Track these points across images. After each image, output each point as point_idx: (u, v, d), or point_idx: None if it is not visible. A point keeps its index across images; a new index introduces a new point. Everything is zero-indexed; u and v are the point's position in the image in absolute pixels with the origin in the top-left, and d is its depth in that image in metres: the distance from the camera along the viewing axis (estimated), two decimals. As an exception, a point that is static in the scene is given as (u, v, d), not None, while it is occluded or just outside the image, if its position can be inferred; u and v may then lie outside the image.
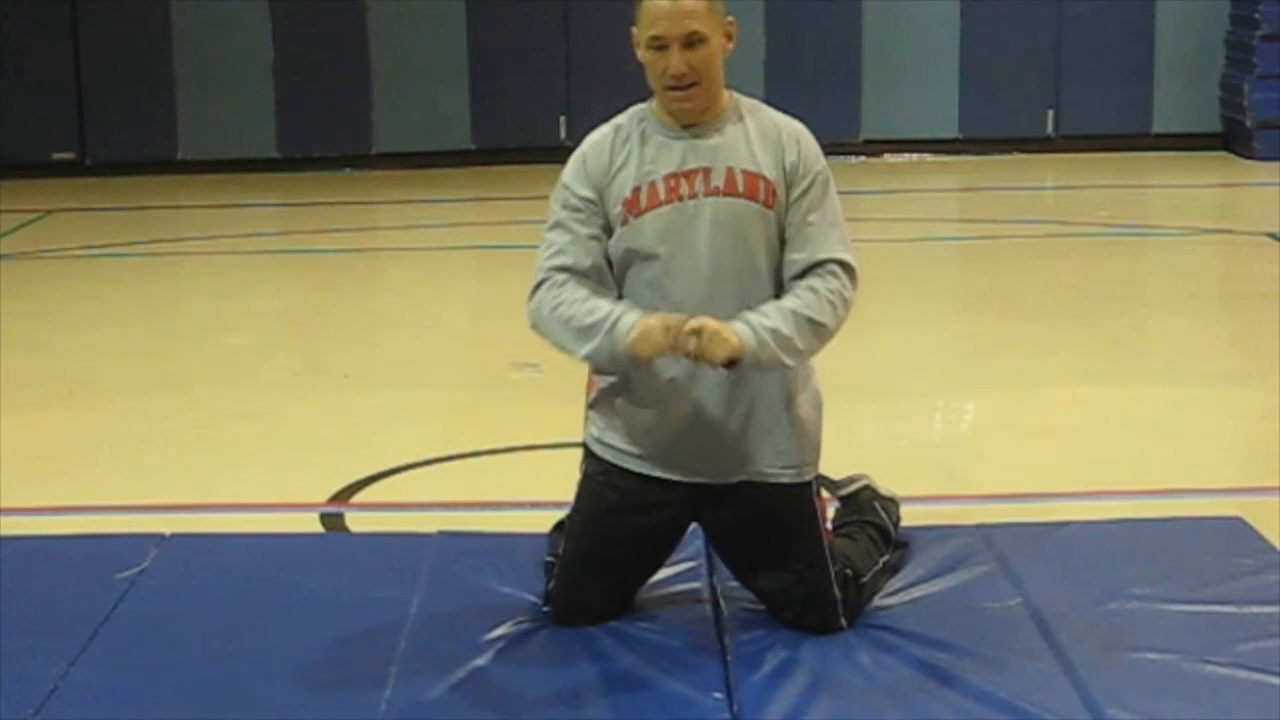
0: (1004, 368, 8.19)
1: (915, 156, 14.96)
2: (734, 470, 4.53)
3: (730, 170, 4.45)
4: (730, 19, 4.47)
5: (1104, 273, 10.40)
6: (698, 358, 4.27)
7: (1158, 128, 14.99)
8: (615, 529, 4.59)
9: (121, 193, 14.04)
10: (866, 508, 4.94)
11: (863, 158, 14.84)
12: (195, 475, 6.69)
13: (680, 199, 4.45)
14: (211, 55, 14.75)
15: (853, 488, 5.03)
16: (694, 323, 4.24)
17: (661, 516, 4.59)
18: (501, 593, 4.84)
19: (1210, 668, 4.30)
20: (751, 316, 4.33)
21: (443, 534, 5.37)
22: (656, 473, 4.54)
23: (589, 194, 4.54)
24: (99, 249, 11.77)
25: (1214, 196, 13.70)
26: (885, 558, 4.81)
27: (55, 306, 9.91)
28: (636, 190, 4.48)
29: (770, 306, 4.37)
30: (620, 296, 4.49)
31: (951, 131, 15.01)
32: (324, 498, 6.32)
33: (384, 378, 8.24)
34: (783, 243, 4.46)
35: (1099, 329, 8.89)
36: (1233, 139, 14.72)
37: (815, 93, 14.38)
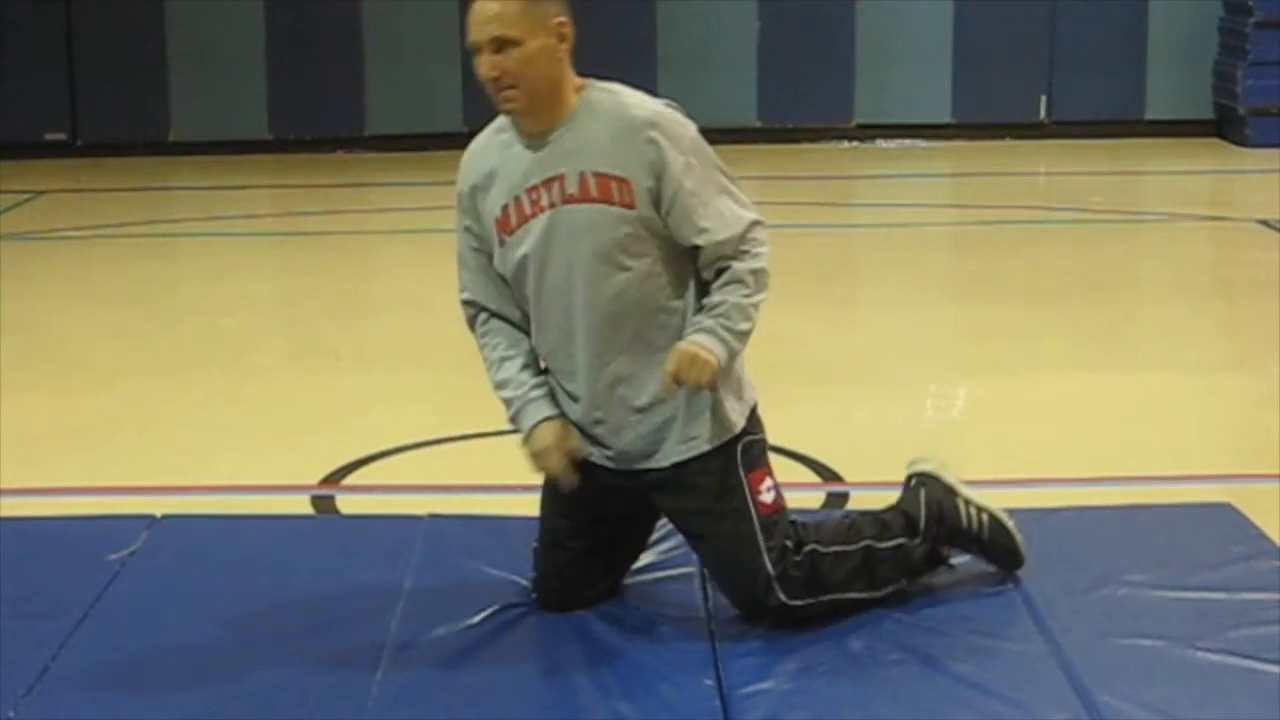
0: (995, 354, 8.19)
1: (908, 142, 14.95)
2: (644, 461, 4.48)
3: (583, 175, 4.33)
4: (561, 19, 4.32)
5: (1096, 259, 10.40)
6: (681, 384, 4.30)
7: (1150, 114, 14.99)
8: (573, 513, 4.61)
9: (113, 174, 14.03)
10: (908, 493, 4.73)
11: (855, 142, 14.84)
12: (187, 457, 6.69)
13: (541, 210, 4.38)
14: (204, 36, 14.73)
15: (913, 469, 4.81)
16: (672, 360, 4.28)
17: (613, 502, 4.56)
18: (492, 576, 4.85)
19: (1201, 654, 4.31)
20: (706, 321, 4.33)
21: (434, 517, 5.37)
22: (591, 459, 4.53)
23: (469, 222, 4.52)
24: (91, 230, 11.76)
25: (1206, 183, 13.70)
26: (870, 540, 4.54)
27: (47, 288, 9.89)
28: (505, 209, 4.42)
29: (719, 304, 4.36)
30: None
31: (944, 117, 15.00)
32: (315, 480, 6.32)
33: (376, 360, 8.24)
34: (649, 238, 4.34)
35: (1090, 315, 8.90)
36: (1225, 126, 14.73)
37: (808, 77, 14.38)
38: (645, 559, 4.87)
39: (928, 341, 8.60)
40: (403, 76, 14.75)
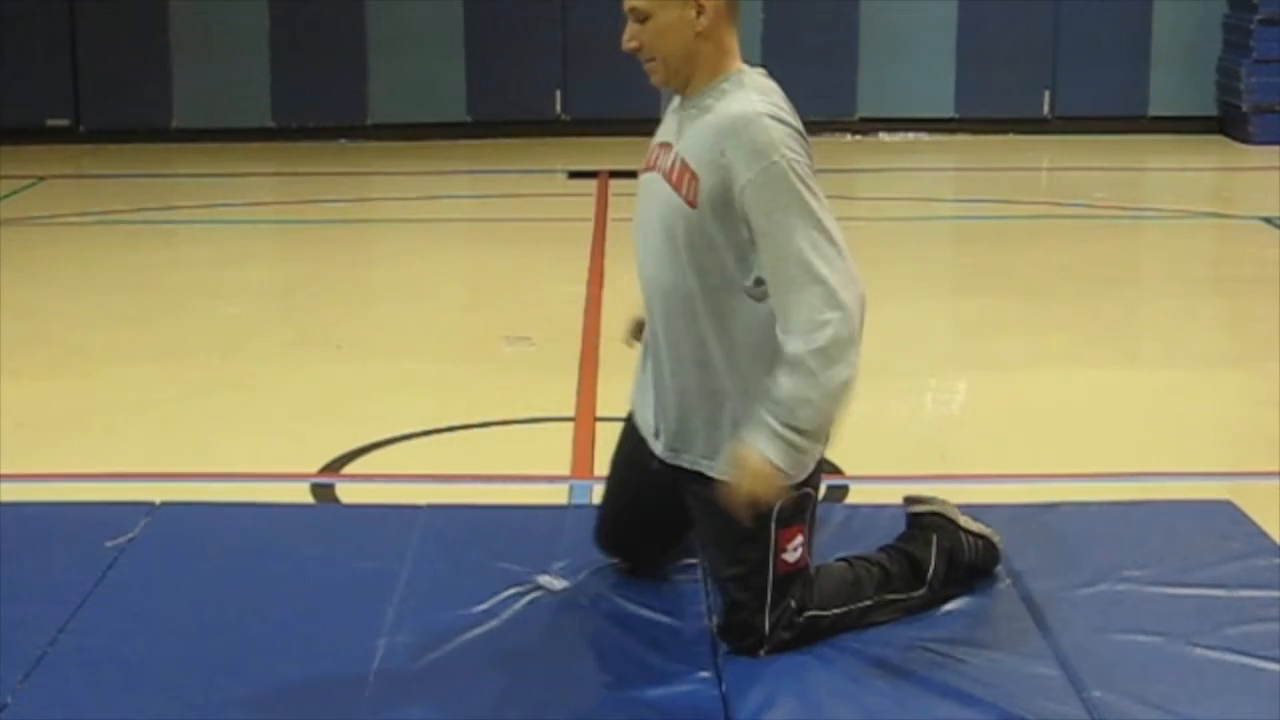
0: (997, 348, 8.18)
1: (911, 135, 14.95)
2: (672, 451, 4.44)
3: (679, 155, 4.29)
4: None
5: (1098, 255, 10.39)
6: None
7: (1154, 110, 14.99)
8: (627, 474, 4.66)
9: (115, 160, 14.03)
10: (918, 535, 4.61)
11: (858, 136, 14.84)
12: (186, 444, 6.69)
13: (649, 169, 4.42)
14: (207, 23, 14.72)
15: (920, 508, 4.68)
16: (734, 471, 4.17)
17: (658, 479, 4.51)
18: (490, 566, 4.84)
19: (1199, 651, 4.31)
20: (767, 419, 4.14)
21: (433, 506, 5.37)
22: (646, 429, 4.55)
23: None
24: (93, 216, 11.76)
25: (1209, 180, 13.70)
26: (872, 600, 4.44)
27: (48, 273, 9.89)
28: (648, 152, 4.48)
29: (780, 393, 4.13)
30: None
31: (948, 111, 15.00)
32: (315, 468, 6.32)
33: (376, 349, 8.24)
34: (713, 247, 4.21)
35: (1092, 311, 8.89)
36: (1228, 123, 14.72)
37: (811, 70, 14.36)
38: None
39: (928, 335, 8.60)
40: (406, 65, 14.74)
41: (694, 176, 4.23)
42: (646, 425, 4.54)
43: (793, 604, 4.33)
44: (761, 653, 4.30)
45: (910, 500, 4.72)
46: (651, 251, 4.36)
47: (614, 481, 4.77)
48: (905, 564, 4.54)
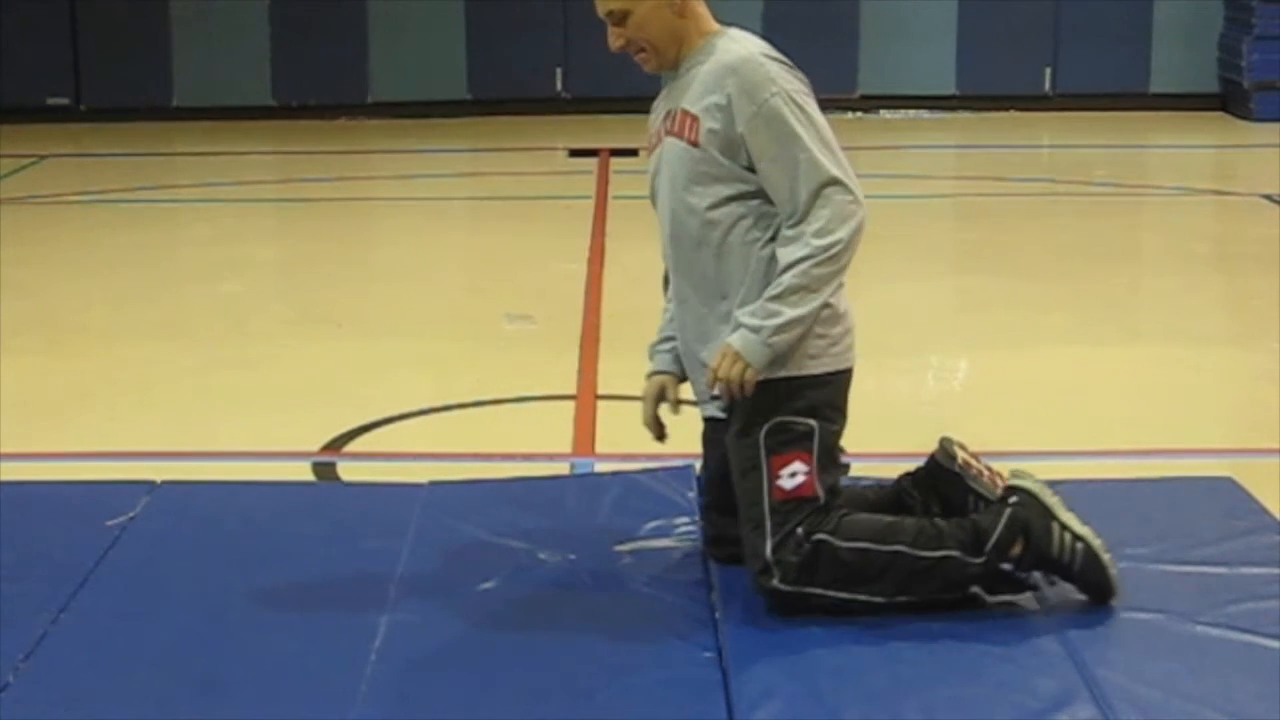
0: (998, 326, 8.18)
1: (912, 113, 14.94)
2: (702, 406, 4.60)
3: (679, 110, 4.48)
4: None
5: (1099, 232, 10.39)
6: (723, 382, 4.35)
7: (1155, 87, 14.98)
8: (711, 441, 4.70)
9: (116, 139, 14.02)
10: (995, 506, 4.47)
11: (859, 113, 14.83)
12: (187, 423, 6.69)
13: (659, 141, 4.57)
14: (207, 2, 14.71)
15: (1014, 482, 4.55)
16: (715, 356, 4.36)
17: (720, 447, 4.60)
18: (492, 543, 4.84)
19: (1200, 628, 4.31)
20: (747, 319, 4.34)
21: (434, 484, 5.37)
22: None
23: None
24: (93, 195, 11.75)
25: (1210, 157, 13.69)
26: (906, 548, 4.35)
27: (49, 252, 9.89)
28: (648, 139, 4.66)
29: (775, 286, 4.33)
30: None
31: (949, 88, 14.99)
32: (316, 446, 6.32)
33: (377, 327, 8.24)
34: (719, 180, 4.40)
35: (1093, 288, 8.89)
36: (1230, 100, 14.70)
37: (812, 47, 14.24)
38: (649, 525, 4.89)
39: (930, 313, 8.60)
40: (406, 44, 14.73)
41: (694, 119, 4.43)
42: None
43: (799, 530, 4.34)
44: (775, 581, 4.33)
45: (1012, 473, 4.61)
46: (668, 214, 4.52)
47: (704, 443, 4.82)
48: (968, 529, 4.41)
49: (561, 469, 6.01)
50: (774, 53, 4.47)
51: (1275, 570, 4.62)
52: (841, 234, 4.34)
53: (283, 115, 14.75)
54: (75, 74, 14.70)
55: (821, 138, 4.38)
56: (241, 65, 14.72)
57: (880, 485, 4.83)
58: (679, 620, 4.38)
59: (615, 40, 4.48)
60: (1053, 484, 5.27)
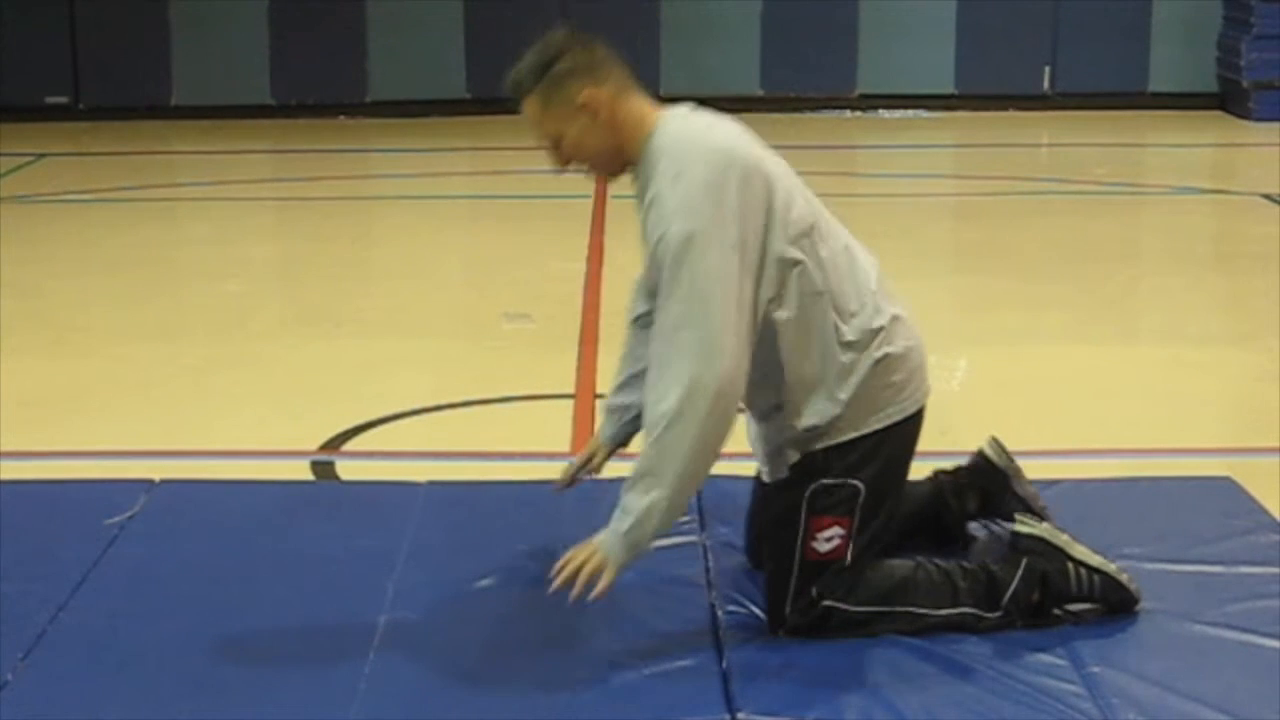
0: (997, 325, 8.18)
1: (910, 112, 14.93)
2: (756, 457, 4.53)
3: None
4: (585, 93, 4.23)
5: (1098, 231, 10.39)
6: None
7: (1154, 86, 14.98)
8: (759, 497, 4.66)
9: (115, 137, 14.02)
10: (1011, 557, 4.41)
11: (858, 112, 14.82)
12: (186, 421, 6.69)
13: None
14: (207, 1, 14.70)
15: (1022, 529, 4.47)
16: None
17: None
18: (490, 543, 4.85)
19: (1198, 627, 4.31)
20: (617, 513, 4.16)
21: (433, 484, 5.37)
22: None
23: None
24: (92, 194, 11.75)
25: (1209, 157, 13.69)
26: (920, 609, 4.30)
27: (48, 251, 9.89)
28: None
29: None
30: None
31: (947, 87, 14.99)
32: (315, 445, 6.32)
33: (376, 326, 8.24)
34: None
35: (1092, 287, 8.89)
36: (1229, 99, 14.70)
37: (811, 47, 14.35)
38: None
39: (928, 312, 8.52)
40: (406, 42, 14.73)
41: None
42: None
43: (814, 592, 4.28)
44: (780, 633, 4.30)
45: (1018, 520, 4.53)
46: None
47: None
48: (983, 581, 4.35)
49: (560, 468, 5.99)
50: (712, 135, 4.23)
51: (1274, 570, 4.63)
52: (671, 402, 4.04)
53: (282, 114, 14.74)
54: (74, 73, 14.70)
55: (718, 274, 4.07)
56: (240, 64, 14.71)
57: (915, 481, 4.70)
58: (678, 620, 4.38)
59: (555, 163, 4.33)
60: (1051, 483, 5.30)
